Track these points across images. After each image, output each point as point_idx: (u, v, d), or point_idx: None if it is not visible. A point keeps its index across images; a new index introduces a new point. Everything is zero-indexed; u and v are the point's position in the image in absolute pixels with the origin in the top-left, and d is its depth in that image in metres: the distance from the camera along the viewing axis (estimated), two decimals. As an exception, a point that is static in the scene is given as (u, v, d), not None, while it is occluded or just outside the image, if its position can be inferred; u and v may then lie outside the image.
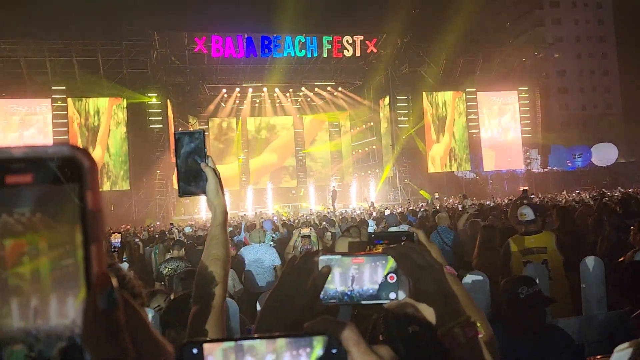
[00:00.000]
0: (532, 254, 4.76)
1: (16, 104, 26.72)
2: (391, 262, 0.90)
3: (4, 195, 0.39)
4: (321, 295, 0.88)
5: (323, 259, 0.89)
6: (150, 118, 27.65)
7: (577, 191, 24.12)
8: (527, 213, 4.90)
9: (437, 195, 23.70)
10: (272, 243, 7.55)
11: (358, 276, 0.89)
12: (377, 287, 0.88)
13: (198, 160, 1.39)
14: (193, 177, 1.40)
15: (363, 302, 0.89)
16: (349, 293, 0.88)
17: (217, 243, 1.46)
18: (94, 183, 0.41)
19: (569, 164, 38.25)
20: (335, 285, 0.88)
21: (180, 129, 30.84)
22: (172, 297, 3.33)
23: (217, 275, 1.41)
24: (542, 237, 4.86)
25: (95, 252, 0.41)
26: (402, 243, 0.97)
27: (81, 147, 0.42)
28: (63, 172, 0.40)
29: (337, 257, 0.90)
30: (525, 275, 3.40)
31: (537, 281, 3.83)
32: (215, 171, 1.43)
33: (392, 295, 0.88)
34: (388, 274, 0.89)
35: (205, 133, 1.44)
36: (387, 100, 31.27)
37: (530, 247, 4.80)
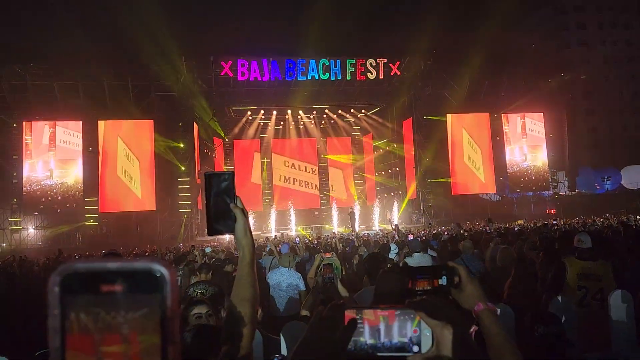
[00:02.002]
0: (589, 280, 4.65)
1: (49, 127, 27.53)
2: (418, 317, 0.92)
3: (100, 300, 0.49)
4: (350, 347, 0.90)
5: (349, 312, 0.92)
6: (176, 140, 28.15)
7: (606, 215, 23.53)
8: (585, 240, 4.79)
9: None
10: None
11: (387, 329, 0.91)
12: (406, 340, 0.90)
13: (227, 200, 1.43)
14: (222, 217, 1.43)
15: (387, 354, 0.90)
16: (378, 346, 0.90)
17: (245, 283, 1.50)
18: (173, 294, 0.50)
19: (598, 187, 37.43)
20: (365, 337, 0.90)
21: (204, 150, 31.24)
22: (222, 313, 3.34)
23: (246, 315, 1.44)
24: (599, 265, 4.75)
25: (172, 352, 0.49)
26: (426, 297, 0.99)
27: (164, 263, 0.51)
28: (147, 284, 0.49)
29: (363, 310, 0.92)
30: (548, 313, 3.32)
31: (566, 315, 3.76)
32: (243, 211, 1.47)
33: (415, 348, 0.90)
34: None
35: (234, 172, 1.49)
36: (410, 122, 31.23)
37: (588, 272, 4.69)
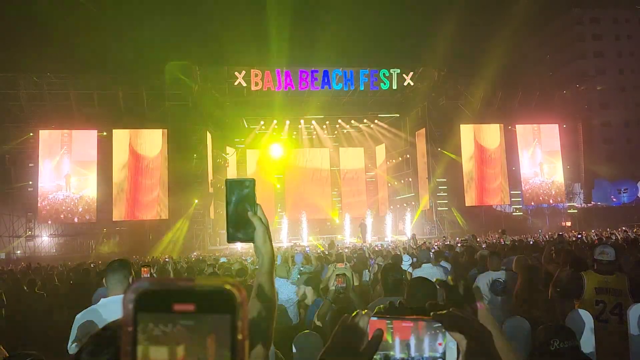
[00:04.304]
0: (607, 294, 4.56)
1: (64, 135, 27.90)
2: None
3: (172, 319, 0.49)
4: None
5: (374, 321, 0.90)
6: (189, 149, 28.35)
7: (623, 228, 23.12)
8: (609, 253, 4.67)
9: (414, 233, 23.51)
10: (297, 276, 7.42)
11: (418, 343, 0.88)
12: (436, 354, 0.88)
13: (247, 208, 1.40)
14: (242, 224, 1.40)
15: None
16: None
17: (263, 291, 1.46)
18: (243, 315, 0.50)
19: (614, 199, 36.92)
20: (395, 352, 0.88)
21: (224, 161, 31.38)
22: None
23: (263, 323, 1.41)
24: (617, 279, 4.64)
25: None
26: (451, 310, 0.95)
27: (236, 285, 0.51)
28: (219, 305, 0.50)
29: (387, 319, 0.90)
30: (563, 326, 3.23)
31: (584, 328, 3.65)
32: (263, 219, 1.44)
33: (440, 358, 0.88)
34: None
35: (255, 180, 1.47)
36: (423, 132, 31.16)
37: (606, 287, 4.59)
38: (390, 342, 0.88)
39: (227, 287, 0.51)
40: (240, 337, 0.49)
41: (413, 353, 0.88)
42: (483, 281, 6.20)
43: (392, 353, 0.88)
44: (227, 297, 0.50)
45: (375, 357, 0.89)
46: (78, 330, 3.15)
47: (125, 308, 0.50)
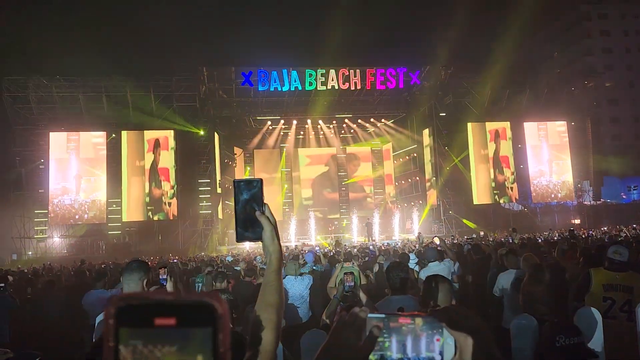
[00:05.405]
0: (616, 291, 4.48)
1: (74, 137, 28.09)
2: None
3: (153, 333, 0.49)
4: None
5: (371, 318, 0.90)
6: (197, 150, 28.43)
7: (633, 226, 22.92)
8: (623, 253, 4.59)
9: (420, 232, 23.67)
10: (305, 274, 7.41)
11: (415, 343, 0.88)
12: (433, 355, 0.87)
13: (255, 207, 1.43)
14: (250, 224, 1.43)
15: None
16: None
17: (271, 289, 1.49)
18: (225, 328, 0.50)
19: (624, 196, 36.63)
20: (392, 352, 0.88)
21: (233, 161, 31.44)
22: None
23: (271, 321, 1.42)
24: (629, 276, 4.53)
25: None
26: (449, 306, 0.96)
27: (217, 297, 0.51)
28: (201, 318, 0.50)
29: (384, 315, 0.90)
30: (569, 323, 3.23)
31: (593, 326, 3.67)
32: (271, 219, 1.48)
33: (438, 358, 0.87)
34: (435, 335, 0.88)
35: (262, 180, 1.51)
36: (430, 131, 31.05)
37: (615, 283, 4.51)
38: (387, 341, 0.87)
39: (207, 300, 0.51)
40: (222, 349, 0.50)
41: (410, 353, 0.87)
42: (507, 279, 6.14)
43: (388, 353, 0.87)
44: (207, 310, 0.50)
45: (371, 357, 0.87)
46: (96, 334, 3.19)
47: (107, 323, 0.49)
